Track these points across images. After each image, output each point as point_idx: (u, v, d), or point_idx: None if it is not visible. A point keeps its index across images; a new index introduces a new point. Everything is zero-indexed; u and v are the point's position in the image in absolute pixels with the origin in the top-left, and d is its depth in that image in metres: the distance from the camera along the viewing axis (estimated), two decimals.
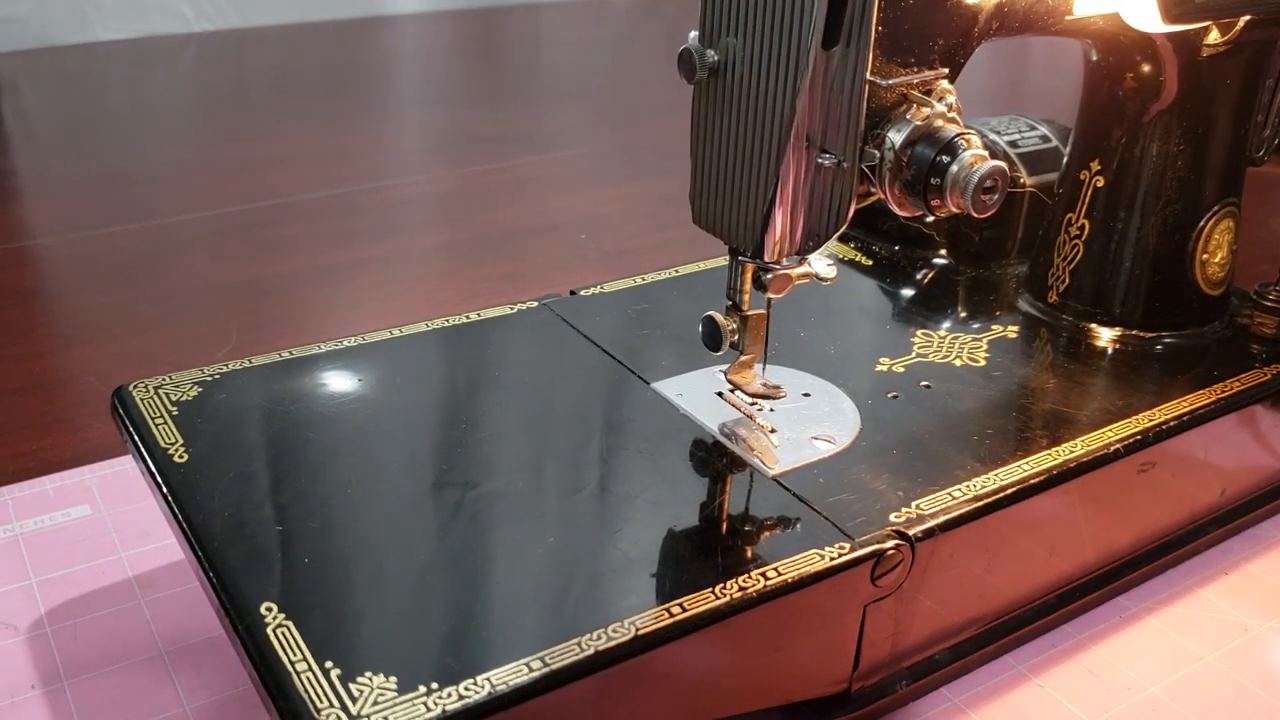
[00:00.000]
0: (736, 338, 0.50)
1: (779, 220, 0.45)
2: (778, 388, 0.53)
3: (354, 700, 0.36)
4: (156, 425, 0.49)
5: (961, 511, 0.46)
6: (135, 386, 0.52)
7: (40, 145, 1.22)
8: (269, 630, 0.38)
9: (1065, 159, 0.64)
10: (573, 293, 0.63)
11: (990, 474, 0.49)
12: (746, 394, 0.52)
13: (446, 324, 0.59)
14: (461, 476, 0.47)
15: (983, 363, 0.58)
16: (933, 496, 0.47)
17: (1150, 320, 0.61)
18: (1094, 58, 0.60)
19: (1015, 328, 0.62)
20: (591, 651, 0.38)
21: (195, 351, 0.76)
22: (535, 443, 0.50)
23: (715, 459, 0.49)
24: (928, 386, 0.56)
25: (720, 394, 0.53)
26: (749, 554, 0.43)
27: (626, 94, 1.47)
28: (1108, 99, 0.60)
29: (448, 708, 0.36)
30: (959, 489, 0.47)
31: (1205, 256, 0.61)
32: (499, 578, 0.42)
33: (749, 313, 0.49)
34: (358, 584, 0.41)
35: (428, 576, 0.42)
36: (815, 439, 0.51)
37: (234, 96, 1.41)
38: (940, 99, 0.43)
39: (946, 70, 0.44)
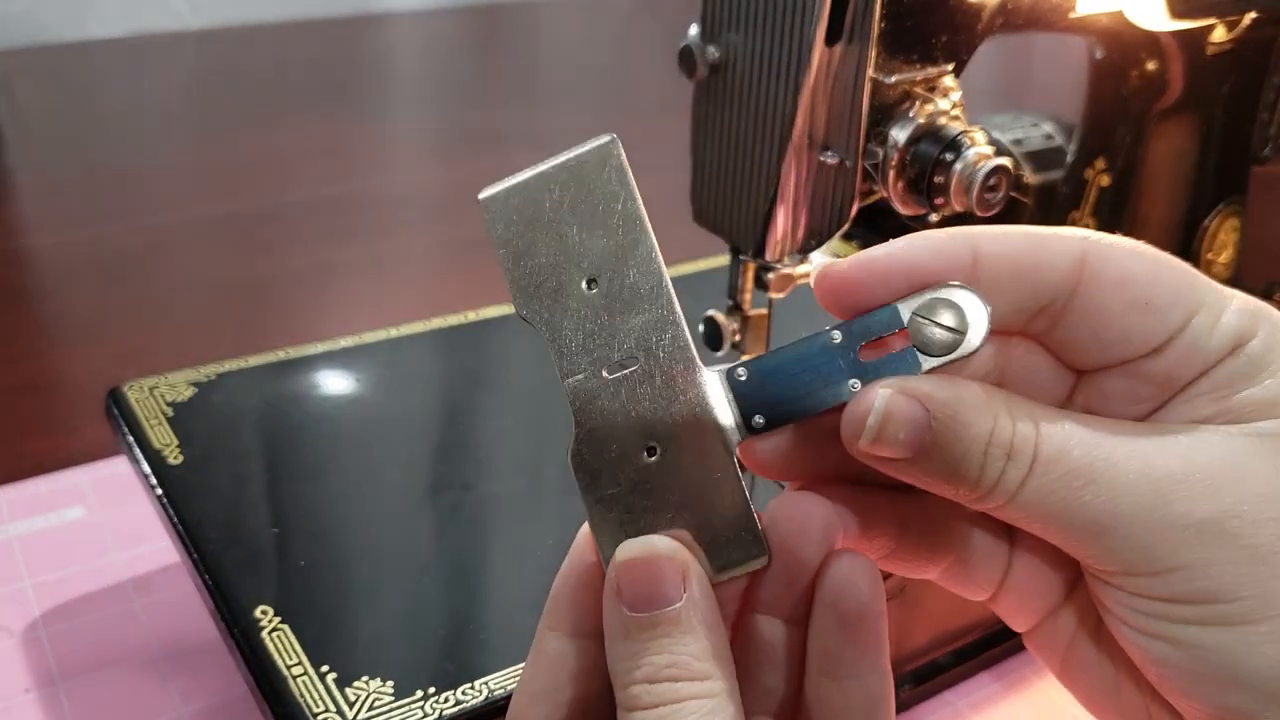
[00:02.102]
0: (738, 338, 0.49)
1: (781, 219, 0.45)
2: None
3: (351, 705, 0.35)
4: (151, 426, 0.48)
5: None
6: (130, 387, 0.51)
7: (35, 143, 1.22)
8: (265, 634, 0.38)
9: (1070, 157, 0.64)
10: None
11: None
12: None
13: (444, 324, 0.59)
14: (459, 478, 0.47)
15: None
16: None
17: None
18: (1098, 55, 0.59)
19: None
20: None
21: (191, 352, 0.75)
22: (534, 444, 0.50)
23: None
24: None
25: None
26: None
27: (626, 91, 1.46)
28: (1112, 97, 0.59)
29: (445, 713, 0.35)
30: None
31: (1210, 256, 0.60)
32: (497, 581, 0.41)
33: (750, 313, 0.49)
34: (354, 587, 0.41)
35: (425, 580, 0.41)
36: None
37: (230, 94, 1.41)
38: (944, 96, 0.43)
39: (950, 67, 0.44)
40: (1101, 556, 0.22)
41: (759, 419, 0.24)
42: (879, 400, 0.22)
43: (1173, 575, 0.22)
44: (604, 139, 0.25)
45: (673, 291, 0.25)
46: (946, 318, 0.23)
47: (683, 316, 0.24)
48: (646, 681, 0.22)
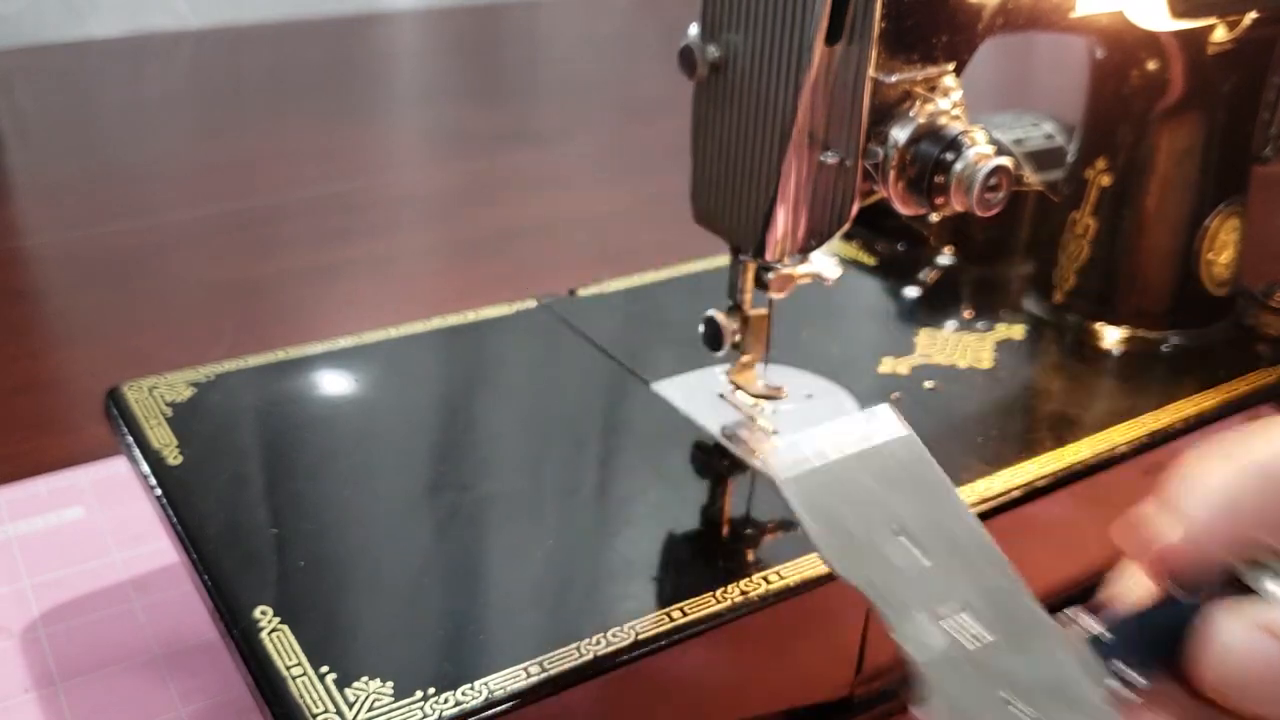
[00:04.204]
0: (738, 338, 0.49)
1: (781, 219, 0.44)
2: (779, 389, 0.53)
3: (350, 705, 0.35)
4: (151, 426, 0.48)
5: None
6: (129, 387, 0.51)
7: (34, 144, 1.21)
8: (264, 634, 0.38)
9: (1070, 157, 0.63)
10: (571, 293, 0.63)
11: (995, 476, 0.48)
12: (748, 395, 0.52)
13: (444, 324, 0.59)
14: (459, 479, 0.46)
15: (987, 363, 0.58)
16: None
17: (1156, 321, 0.61)
18: (1099, 55, 0.59)
19: (1020, 328, 0.62)
20: (590, 656, 0.37)
21: (190, 351, 0.75)
22: (534, 444, 0.50)
23: (716, 461, 0.49)
24: (932, 388, 0.55)
25: (721, 395, 0.53)
26: (750, 557, 0.43)
27: (626, 90, 1.46)
28: (1113, 97, 0.59)
29: (445, 713, 0.35)
30: (963, 491, 0.47)
31: (1211, 256, 0.60)
32: (497, 581, 0.41)
33: (751, 313, 0.49)
34: (354, 587, 0.41)
35: (425, 580, 0.41)
36: None
37: (229, 93, 1.41)
38: (945, 95, 0.43)
39: (951, 66, 0.44)
40: None
41: (1127, 676, 0.24)
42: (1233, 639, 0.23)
43: None
44: (899, 427, 0.28)
45: (996, 546, 0.26)
46: None
47: (1017, 572, 0.25)
48: None
